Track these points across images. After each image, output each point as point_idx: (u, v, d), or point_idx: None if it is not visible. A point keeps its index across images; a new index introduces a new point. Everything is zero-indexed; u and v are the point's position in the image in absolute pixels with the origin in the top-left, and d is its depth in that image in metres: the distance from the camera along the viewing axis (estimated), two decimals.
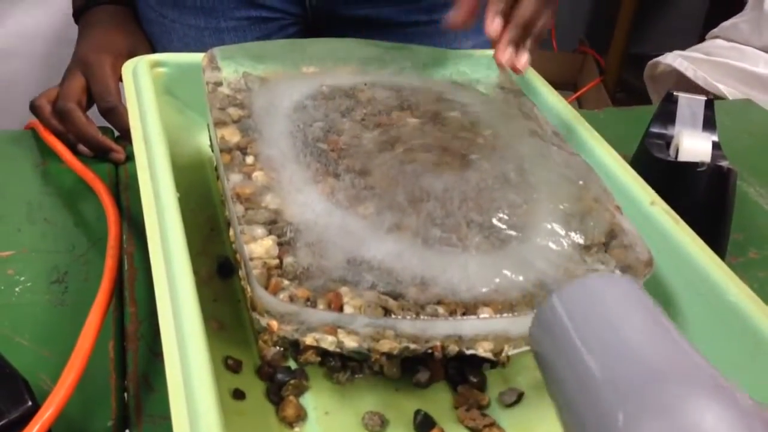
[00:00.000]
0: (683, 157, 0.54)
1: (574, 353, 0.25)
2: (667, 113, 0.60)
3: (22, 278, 0.45)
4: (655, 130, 0.60)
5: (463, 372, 0.41)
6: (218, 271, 0.45)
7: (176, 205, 0.40)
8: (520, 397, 0.41)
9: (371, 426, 0.38)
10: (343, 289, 0.36)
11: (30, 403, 0.34)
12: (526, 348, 0.39)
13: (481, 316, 0.36)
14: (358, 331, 0.36)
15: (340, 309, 0.35)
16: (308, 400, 0.39)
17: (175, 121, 0.53)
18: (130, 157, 0.58)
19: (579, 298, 0.27)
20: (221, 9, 0.71)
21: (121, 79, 0.58)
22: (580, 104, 1.88)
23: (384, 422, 0.38)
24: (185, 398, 0.31)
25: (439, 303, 0.36)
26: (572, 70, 1.95)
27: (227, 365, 0.40)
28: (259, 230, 0.38)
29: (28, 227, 0.50)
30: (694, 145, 0.55)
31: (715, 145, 0.56)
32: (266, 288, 0.35)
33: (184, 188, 0.42)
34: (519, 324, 0.38)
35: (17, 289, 0.45)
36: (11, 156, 0.56)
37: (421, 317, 0.36)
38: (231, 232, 0.42)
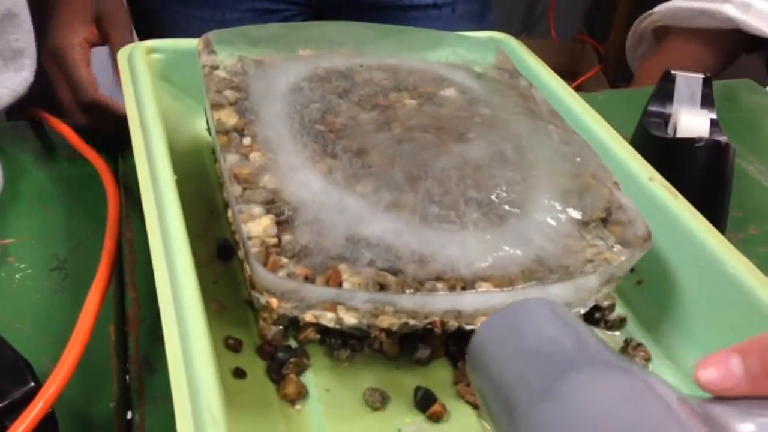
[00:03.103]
0: (681, 134, 0.54)
1: (497, 377, 0.28)
2: (665, 92, 0.60)
3: (22, 265, 0.46)
4: (653, 108, 0.60)
5: (463, 348, 0.41)
6: (218, 253, 0.46)
7: (174, 187, 0.40)
8: None
9: (372, 402, 0.38)
10: (342, 266, 0.36)
11: (33, 383, 0.34)
12: None
13: (480, 290, 0.36)
14: (357, 307, 0.36)
15: (339, 285, 0.35)
16: (309, 378, 0.39)
17: (172, 107, 0.53)
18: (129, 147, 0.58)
19: (496, 329, 0.29)
20: (227, 1, 0.71)
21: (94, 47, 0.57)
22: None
23: (384, 398, 0.38)
24: (186, 377, 0.32)
25: (438, 279, 0.36)
26: (571, 58, 1.95)
27: (228, 345, 0.40)
28: (257, 209, 0.38)
29: (28, 216, 0.50)
30: (692, 122, 0.55)
31: (714, 122, 0.56)
32: (265, 266, 0.35)
33: (182, 173, 0.42)
34: (518, 299, 0.38)
35: (17, 276, 0.45)
36: (10, 147, 0.56)
37: (421, 292, 0.36)
38: (229, 213, 0.42)
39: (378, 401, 0.38)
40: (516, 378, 0.26)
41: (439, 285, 0.36)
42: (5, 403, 0.33)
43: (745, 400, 0.24)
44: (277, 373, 0.39)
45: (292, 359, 0.39)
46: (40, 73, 0.55)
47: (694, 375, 0.25)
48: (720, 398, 0.25)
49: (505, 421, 0.26)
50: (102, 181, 0.50)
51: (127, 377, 0.40)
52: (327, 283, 0.35)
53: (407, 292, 0.35)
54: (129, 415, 0.38)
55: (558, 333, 0.28)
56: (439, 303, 0.36)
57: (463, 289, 0.36)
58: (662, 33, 1.03)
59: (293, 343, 0.40)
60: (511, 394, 0.26)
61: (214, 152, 0.48)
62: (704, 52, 0.95)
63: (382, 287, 0.36)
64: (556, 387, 0.24)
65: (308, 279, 0.35)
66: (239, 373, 0.38)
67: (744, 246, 0.42)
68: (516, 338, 0.28)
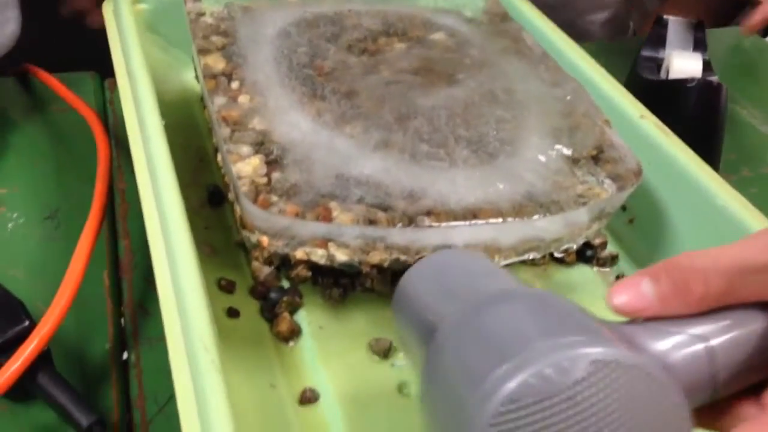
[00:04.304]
0: (674, 76, 0.54)
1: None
2: (658, 37, 0.60)
3: (15, 215, 0.46)
4: (645, 54, 0.59)
5: None
6: (209, 199, 0.46)
7: (162, 132, 0.40)
8: None
9: (378, 351, 0.38)
10: (332, 204, 0.36)
11: (27, 322, 0.35)
12: (516, 259, 0.40)
13: (471, 222, 0.36)
14: (348, 243, 0.36)
15: (330, 222, 0.35)
16: (302, 317, 0.39)
17: (159, 58, 0.53)
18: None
19: (422, 271, 0.30)
20: None
21: None
22: None
23: (391, 347, 0.38)
24: (177, 312, 0.32)
25: (428, 214, 0.37)
26: None
27: (221, 286, 0.40)
28: (246, 149, 0.38)
29: (19, 167, 0.50)
30: (684, 64, 0.55)
31: (706, 65, 0.55)
32: (255, 203, 0.35)
33: (171, 123, 0.42)
34: (508, 232, 0.38)
35: (10, 226, 0.45)
36: (1, 102, 0.55)
37: (412, 226, 0.36)
38: (219, 158, 0.42)
39: (385, 348, 0.38)
40: (435, 311, 0.27)
41: (429, 220, 0.36)
42: (0, 341, 0.34)
43: (659, 320, 0.25)
44: (270, 312, 0.39)
45: (284, 298, 0.39)
46: (27, 27, 0.54)
47: (607, 301, 0.25)
48: (634, 322, 0.25)
49: (422, 350, 0.26)
50: (92, 133, 0.49)
51: (122, 320, 0.40)
52: (318, 219, 0.35)
53: (398, 226, 0.36)
54: (125, 355, 0.38)
55: (477, 276, 0.29)
56: (430, 237, 0.36)
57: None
58: None
59: (286, 284, 0.40)
60: (429, 324, 0.26)
61: (202, 100, 0.48)
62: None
63: (373, 223, 0.36)
64: (472, 315, 0.25)
65: (299, 216, 0.35)
66: (233, 313, 0.39)
67: (737, 187, 0.42)
68: (438, 279, 0.29)
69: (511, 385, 0.21)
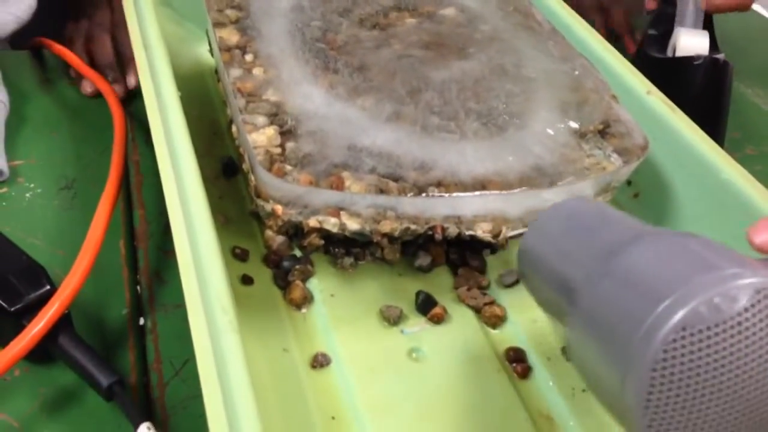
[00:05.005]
0: (680, 53, 0.55)
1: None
2: (665, 15, 0.60)
3: (32, 185, 0.47)
4: (653, 31, 0.60)
5: (464, 256, 0.42)
6: (223, 170, 0.46)
7: (178, 102, 0.41)
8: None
9: (389, 317, 0.39)
10: (345, 174, 0.37)
11: (48, 286, 0.36)
12: (523, 230, 0.40)
13: (479, 192, 0.37)
14: (360, 212, 0.37)
15: (342, 191, 0.36)
16: (314, 285, 0.40)
17: (173, 32, 0.53)
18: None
19: (545, 225, 0.30)
20: None
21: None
22: None
23: (401, 315, 0.39)
24: (196, 277, 0.33)
25: (438, 185, 0.37)
26: None
27: (235, 254, 0.41)
28: (261, 119, 0.39)
29: (35, 139, 0.50)
30: (691, 41, 0.55)
31: (713, 43, 0.56)
32: (270, 172, 0.36)
33: (186, 96, 0.43)
34: (516, 204, 0.39)
35: (27, 195, 0.46)
36: (17, 75, 0.56)
37: (422, 195, 0.36)
38: (233, 129, 0.43)
39: (395, 316, 0.39)
40: (571, 266, 0.27)
41: (438, 190, 0.37)
42: (22, 304, 0.35)
43: None
44: (283, 280, 0.40)
45: (297, 266, 0.40)
46: (43, 1, 0.55)
47: (748, 239, 0.26)
48: None
49: (566, 307, 0.26)
50: (107, 106, 0.50)
51: (138, 288, 0.41)
52: (330, 188, 0.36)
53: (408, 195, 0.36)
54: (141, 321, 0.39)
55: (603, 221, 0.29)
56: (440, 207, 0.37)
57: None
58: None
59: (299, 253, 0.41)
60: (568, 281, 0.27)
61: (216, 72, 0.49)
62: None
63: (384, 192, 0.37)
64: (613, 264, 0.25)
65: (312, 184, 0.36)
66: (247, 280, 0.40)
67: (741, 165, 0.43)
68: (566, 231, 0.29)
69: (682, 313, 0.22)
